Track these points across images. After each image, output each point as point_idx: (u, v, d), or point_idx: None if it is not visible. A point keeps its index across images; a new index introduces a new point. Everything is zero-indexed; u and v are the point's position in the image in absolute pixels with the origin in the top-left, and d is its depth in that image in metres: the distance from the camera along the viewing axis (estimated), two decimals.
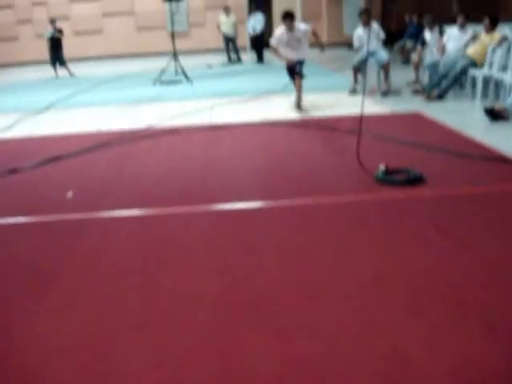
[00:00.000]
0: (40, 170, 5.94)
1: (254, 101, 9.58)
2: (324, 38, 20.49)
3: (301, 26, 8.49)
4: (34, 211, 4.66)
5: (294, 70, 8.55)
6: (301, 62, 8.56)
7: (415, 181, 4.73)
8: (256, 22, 16.39)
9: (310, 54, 8.76)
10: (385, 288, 3.03)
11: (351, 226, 3.95)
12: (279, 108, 8.81)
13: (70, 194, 4.96)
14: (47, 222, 4.43)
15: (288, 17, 8.23)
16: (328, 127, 7.01)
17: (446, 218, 4.01)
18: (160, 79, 12.60)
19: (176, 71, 13.09)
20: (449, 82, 8.81)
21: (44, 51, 16.77)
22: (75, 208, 4.66)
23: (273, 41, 8.42)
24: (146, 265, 3.51)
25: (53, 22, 16.28)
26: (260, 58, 16.35)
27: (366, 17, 9.64)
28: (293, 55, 8.47)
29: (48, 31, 16.10)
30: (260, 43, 16.43)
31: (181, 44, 15.01)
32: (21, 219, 4.50)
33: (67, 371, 2.50)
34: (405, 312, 2.79)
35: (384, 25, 18.32)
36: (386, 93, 9.41)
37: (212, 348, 2.60)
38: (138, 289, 3.20)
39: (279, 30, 8.43)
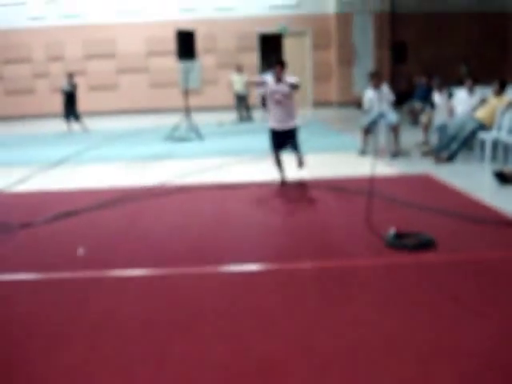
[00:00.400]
0: (52, 225, 5.99)
1: (265, 160, 9.65)
2: (333, 98, 20.84)
3: (290, 78, 7.40)
4: (44, 268, 4.69)
5: (281, 145, 7.48)
6: (293, 134, 7.44)
7: (426, 245, 4.74)
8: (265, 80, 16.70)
9: (298, 121, 7.63)
10: (396, 357, 3.01)
11: (361, 291, 3.95)
12: (289, 167, 8.88)
13: (80, 251, 4.99)
14: (58, 279, 4.45)
15: (278, 64, 7.24)
16: (337, 188, 7.06)
17: (457, 284, 4.01)
18: (172, 136, 12.80)
19: (188, 128, 13.30)
20: (458, 144, 8.90)
21: (59, 105, 17.10)
22: (86, 265, 4.69)
23: (258, 89, 7.93)
24: (156, 328, 3.50)
25: (70, 76, 16.66)
26: None
27: (376, 79, 9.82)
28: (280, 119, 7.37)
29: (63, 85, 16.47)
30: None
31: (193, 101, 15.28)
32: (31, 276, 4.53)
33: None
34: (417, 381, 2.77)
35: (392, 85, 18.66)
36: (395, 154, 9.50)
37: None
38: (149, 354, 3.20)
39: (267, 76, 7.59)
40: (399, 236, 4.90)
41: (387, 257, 4.60)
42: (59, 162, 10.04)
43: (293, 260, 4.61)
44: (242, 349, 3.19)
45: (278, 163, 7.52)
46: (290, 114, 7.37)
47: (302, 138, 11.97)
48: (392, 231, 4.92)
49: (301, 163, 7.42)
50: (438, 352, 3.04)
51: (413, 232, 4.98)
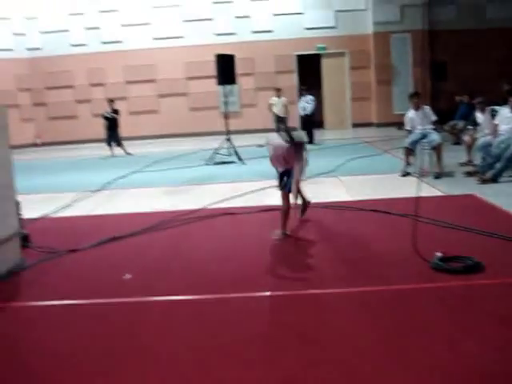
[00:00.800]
0: (98, 249, 6.08)
1: (305, 183, 9.58)
2: (373, 118, 20.75)
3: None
4: (92, 294, 4.75)
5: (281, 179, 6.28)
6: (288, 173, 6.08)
7: (473, 269, 4.65)
8: (306, 103, 16.79)
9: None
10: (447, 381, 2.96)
11: (408, 315, 3.89)
12: (332, 189, 8.86)
13: (127, 276, 5.05)
14: (106, 304, 4.51)
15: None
16: (380, 210, 6.99)
17: (507, 308, 3.92)
18: (213, 159, 12.90)
19: (229, 151, 13.39)
20: (503, 163, 8.75)
21: (101, 130, 17.44)
22: (132, 290, 4.74)
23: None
24: (203, 354, 3.51)
25: (111, 102, 17.02)
26: (310, 139, 16.59)
27: (416, 99, 9.75)
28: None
29: (106, 111, 16.82)
30: (310, 124, 16.73)
31: (233, 124, 15.36)
32: (79, 301, 4.59)
33: None
34: None
35: (433, 105, 18.51)
36: (438, 175, 9.38)
37: None
38: (196, 377, 3.21)
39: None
40: (446, 259, 4.82)
41: (433, 280, 4.53)
42: (103, 187, 10.20)
43: (337, 284, 4.58)
44: (291, 374, 3.17)
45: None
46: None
47: (342, 159, 11.96)
48: (438, 255, 4.85)
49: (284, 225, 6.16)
50: (487, 378, 2.97)
51: (460, 255, 4.89)
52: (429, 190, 8.36)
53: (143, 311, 4.32)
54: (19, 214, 6.09)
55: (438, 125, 12.31)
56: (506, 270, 4.71)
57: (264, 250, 5.72)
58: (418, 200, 5.01)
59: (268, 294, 4.47)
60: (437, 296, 4.24)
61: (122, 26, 21.48)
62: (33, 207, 7.88)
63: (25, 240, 6.14)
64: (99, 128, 18.04)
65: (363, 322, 3.84)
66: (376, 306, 4.13)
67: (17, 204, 5.94)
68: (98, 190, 9.90)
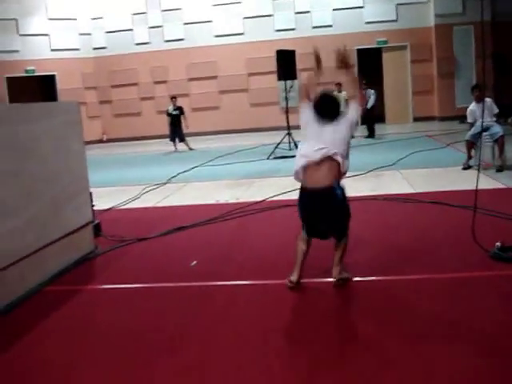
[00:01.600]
0: (166, 238, 6.38)
1: (366, 176, 9.69)
2: (435, 112, 20.51)
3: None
4: (160, 278, 5.03)
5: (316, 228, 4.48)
6: (335, 205, 4.33)
7: None
8: (367, 97, 16.76)
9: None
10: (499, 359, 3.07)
11: (468, 302, 3.99)
12: (392, 182, 8.92)
13: (194, 263, 5.30)
14: (174, 287, 4.77)
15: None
16: (440, 202, 7.04)
17: None
18: (274, 154, 13.11)
19: (289, 146, 13.58)
20: None
21: (164, 126, 17.91)
22: (198, 276, 4.99)
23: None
24: (264, 334, 3.71)
25: (173, 98, 17.45)
26: (371, 133, 16.57)
27: (477, 92, 9.69)
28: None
29: (170, 108, 17.27)
30: (371, 118, 16.70)
31: (293, 119, 15.51)
32: (149, 284, 4.88)
33: None
34: None
35: (497, 98, 18.15)
36: (500, 168, 9.29)
37: None
38: (259, 354, 3.41)
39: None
40: (505, 249, 4.86)
41: (492, 269, 4.60)
42: (169, 180, 10.55)
43: (398, 272, 4.70)
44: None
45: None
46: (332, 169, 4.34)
47: (403, 153, 11.90)
48: (498, 244, 4.90)
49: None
50: None
51: None
52: (490, 182, 8.33)
53: (208, 294, 4.56)
54: (92, 205, 6.43)
55: (502, 118, 12.17)
56: None
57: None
58: (476, 192, 5.04)
59: (328, 280, 4.61)
60: (494, 284, 4.32)
61: (184, 24, 21.95)
62: (102, 199, 8.24)
63: (97, 229, 6.49)
64: (162, 124, 18.54)
65: (420, 307, 3.96)
66: (434, 292, 4.24)
67: (90, 195, 6.29)
68: (164, 184, 10.25)
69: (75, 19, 22.04)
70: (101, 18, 22.44)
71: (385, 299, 4.16)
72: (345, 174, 4.41)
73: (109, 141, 22.59)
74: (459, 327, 3.60)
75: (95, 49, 22.63)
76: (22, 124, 4.90)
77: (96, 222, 6.55)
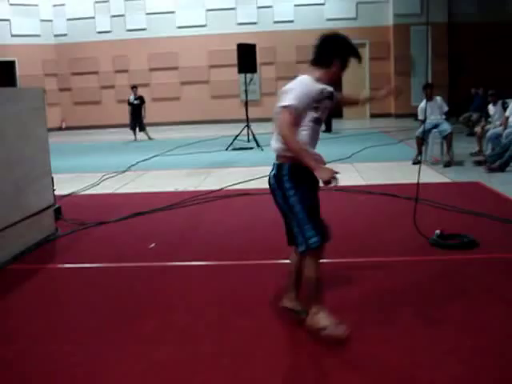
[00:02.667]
0: (125, 223, 6.60)
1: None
2: (392, 109, 21.03)
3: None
4: (120, 258, 5.26)
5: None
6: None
7: (468, 245, 5.08)
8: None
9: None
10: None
11: (406, 284, 4.34)
12: (346, 176, 9.25)
13: (152, 245, 5.55)
14: (132, 267, 5.02)
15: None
16: (388, 193, 7.42)
17: (495, 279, 4.36)
18: (233, 145, 13.38)
19: (248, 138, 13.87)
20: (510, 153, 9.10)
21: (125, 115, 17.99)
22: (157, 257, 5.24)
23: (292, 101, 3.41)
24: (220, 309, 3.99)
25: (134, 88, 17.56)
26: (328, 128, 16.97)
27: (429, 90, 10.13)
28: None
29: (130, 97, 17.36)
30: (329, 113, 17.05)
31: (253, 112, 15.81)
32: (110, 264, 5.11)
33: None
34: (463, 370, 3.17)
35: (450, 97, 18.75)
36: (448, 163, 9.76)
37: None
38: (214, 325, 3.70)
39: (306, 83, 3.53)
40: (444, 237, 5.25)
41: (430, 254, 4.97)
42: (128, 169, 10.72)
43: (342, 255, 5.03)
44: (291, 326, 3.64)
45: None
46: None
47: (358, 147, 12.33)
48: (437, 232, 5.28)
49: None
50: (477, 343, 3.42)
51: (457, 233, 5.32)
52: (437, 177, 8.79)
53: (166, 273, 4.82)
54: (53, 189, 6.60)
55: (454, 116, 12.66)
56: (498, 247, 5.13)
57: (277, 226, 6.17)
58: (418, 184, 5.43)
59: (278, 261, 4.91)
60: (432, 267, 4.70)
61: (147, 14, 22.00)
62: (62, 185, 8.38)
63: (57, 213, 6.66)
64: (122, 114, 18.62)
65: (365, 288, 4.29)
66: (376, 274, 4.58)
67: (51, 180, 6.45)
68: (123, 172, 10.42)
69: (37, 5, 21.84)
70: (63, 4, 22.28)
71: (335, 278, 4.47)
72: None
73: (68, 128, 22.50)
74: (397, 300, 3.94)
75: (56, 36, 22.48)
76: None
77: (57, 206, 6.72)
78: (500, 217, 6.03)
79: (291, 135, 3.32)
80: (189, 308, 4.03)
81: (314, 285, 3.44)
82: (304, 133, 3.44)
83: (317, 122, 3.49)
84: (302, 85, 3.45)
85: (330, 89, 3.53)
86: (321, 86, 3.46)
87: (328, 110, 3.58)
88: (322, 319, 3.39)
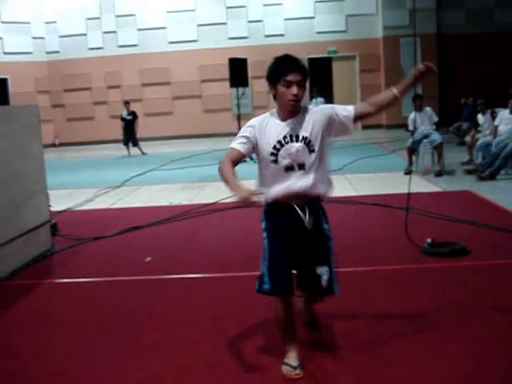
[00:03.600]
0: (121, 237, 6.67)
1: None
2: (383, 120, 21.20)
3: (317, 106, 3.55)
4: (116, 272, 5.33)
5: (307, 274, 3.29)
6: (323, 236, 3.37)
7: (459, 252, 5.17)
8: (317, 105, 17.30)
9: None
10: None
11: (398, 291, 4.43)
12: (338, 187, 9.34)
13: (148, 259, 5.62)
14: (129, 280, 5.09)
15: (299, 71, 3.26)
16: (380, 204, 7.52)
17: (483, 285, 4.46)
18: None
19: None
20: (500, 162, 9.24)
21: (118, 131, 18.08)
22: (153, 270, 5.31)
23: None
24: (217, 320, 4.06)
25: (126, 103, 17.69)
26: None
27: (418, 101, 10.28)
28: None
29: (123, 113, 17.47)
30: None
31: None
32: (107, 278, 5.18)
33: None
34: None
35: (440, 107, 18.95)
36: (439, 173, 9.89)
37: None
38: (208, 336, 3.77)
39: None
40: (435, 245, 5.34)
41: (422, 262, 5.07)
42: (122, 184, 10.79)
43: (338, 265, 5.09)
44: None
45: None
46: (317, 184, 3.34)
47: (350, 159, 12.51)
48: (428, 240, 5.38)
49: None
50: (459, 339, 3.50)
51: (448, 241, 5.42)
52: (429, 186, 8.90)
53: (163, 286, 4.89)
54: (49, 205, 6.67)
55: (445, 126, 12.78)
56: (489, 254, 5.23)
57: None
58: (409, 194, 5.56)
59: None
60: (424, 274, 4.79)
61: (138, 30, 22.17)
62: (57, 201, 8.44)
63: (53, 229, 6.73)
64: (115, 129, 18.71)
65: (358, 298, 4.37)
66: (369, 282, 4.67)
67: (47, 196, 6.53)
68: (118, 187, 10.49)
69: (29, 23, 21.99)
70: (54, 22, 22.43)
71: None
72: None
73: (61, 145, 22.57)
74: (390, 306, 4.03)
75: (48, 53, 22.61)
76: None
77: (53, 222, 6.78)
78: (491, 224, 6.13)
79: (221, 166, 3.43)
80: (186, 319, 4.10)
81: (278, 326, 3.35)
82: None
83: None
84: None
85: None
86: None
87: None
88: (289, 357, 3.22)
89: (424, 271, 4.88)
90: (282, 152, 3.19)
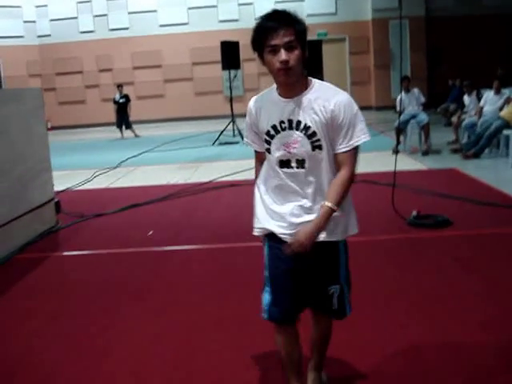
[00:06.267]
0: (122, 214, 6.97)
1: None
2: (372, 102, 21.51)
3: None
4: (120, 245, 5.65)
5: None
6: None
7: (442, 223, 5.53)
8: None
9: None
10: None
11: (387, 259, 4.78)
12: None
13: (150, 232, 5.94)
14: (133, 252, 5.42)
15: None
16: (370, 181, 7.85)
17: (463, 252, 4.83)
18: (219, 140, 13.77)
19: (233, 133, 14.26)
20: (484, 141, 9.59)
21: (110, 114, 18.29)
22: (156, 242, 5.64)
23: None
24: (218, 287, 4.40)
25: (119, 87, 17.88)
26: None
27: (406, 83, 10.60)
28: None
29: (116, 96, 17.67)
30: None
31: (237, 107, 16.19)
32: (112, 250, 5.49)
33: (160, 362, 3.40)
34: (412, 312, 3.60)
35: (429, 88, 19.26)
36: (426, 152, 10.23)
37: None
38: (213, 297, 4.10)
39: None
40: (420, 217, 5.70)
41: (407, 233, 5.44)
42: (118, 165, 11.06)
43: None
44: None
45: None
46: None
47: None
48: (414, 213, 5.73)
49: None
50: (444, 306, 3.85)
51: (432, 214, 5.77)
52: (416, 164, 9.25)
53: (167, 257, 5.22)
54: (52, 184, 6.95)
55: (433, 107, 13.09)
56: (470, 225, 5.59)
57: None
58: (395, 171, 5.93)
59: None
60: (410, 244, 5.15)
61: (129, 13, 22.27)
62: (56, 181, 8.67)
63: (57, 207, 7.01)
64: (107, 112, 18.92)
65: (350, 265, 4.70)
66: (359, 252, 4.99)
67: (51, 175, 6.81)
68: (115, 168, 10.76)
69: (20, 6, 22.03)
70: (45, 5, 22.47)
71: None
72: None
73: (53, 128, 22.67)
74: (379, 275, 4.37)
75: (40, 36, 22.68)
76: None
77: (56, 200, 7.06)
78: (473, 199, 6.48)
79: None
80: (189, 285, 4.43)
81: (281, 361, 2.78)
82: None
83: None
84: None
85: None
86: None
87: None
88: None
89: (410, 241, 5.24)
90: (275, 140, 2.50)
